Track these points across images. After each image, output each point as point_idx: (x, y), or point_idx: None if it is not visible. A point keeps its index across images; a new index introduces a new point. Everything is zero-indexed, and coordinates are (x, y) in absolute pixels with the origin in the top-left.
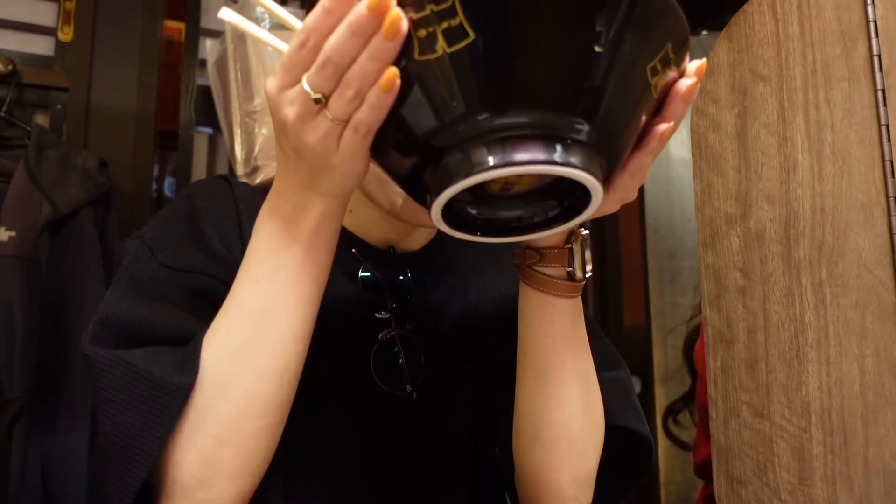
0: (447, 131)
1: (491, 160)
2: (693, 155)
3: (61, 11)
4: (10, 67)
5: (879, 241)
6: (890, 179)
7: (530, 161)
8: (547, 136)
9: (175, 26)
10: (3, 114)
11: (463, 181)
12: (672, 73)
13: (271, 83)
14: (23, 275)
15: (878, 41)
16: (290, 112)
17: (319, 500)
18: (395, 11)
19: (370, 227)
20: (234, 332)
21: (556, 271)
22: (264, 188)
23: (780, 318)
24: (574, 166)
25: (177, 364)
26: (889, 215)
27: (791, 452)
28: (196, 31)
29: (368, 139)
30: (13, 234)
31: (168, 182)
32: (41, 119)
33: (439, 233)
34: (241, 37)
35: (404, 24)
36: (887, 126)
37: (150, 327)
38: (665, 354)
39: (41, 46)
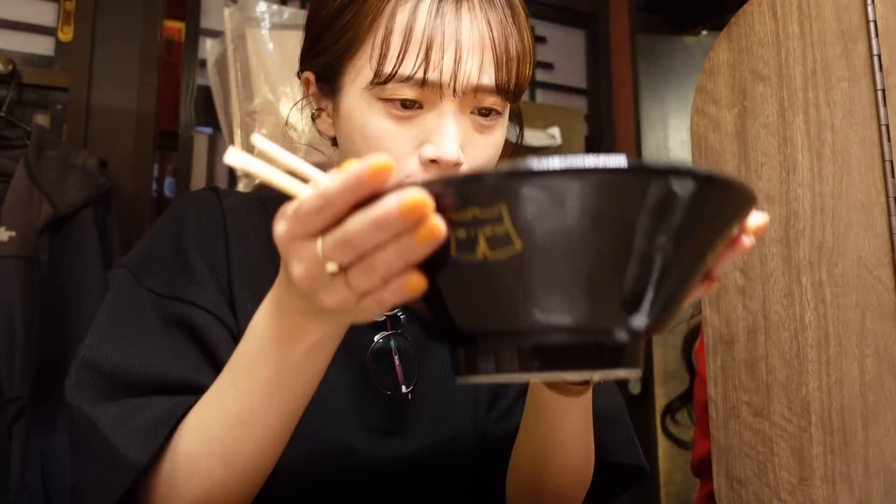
0: (481, 324)
1: (526, 364)
2: (693, 155)
3: (61, 11)
4: (10, 67)
5: (879, 241)
6: (890, 179)
7: (570, 367)
8: (590, 343)
9: (175, 26)
10: (3, 114)
11: (494, 377)
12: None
13: (281, 228)
14: (23, 275)
15: (878, 41)
16: (299, 270)
17: (312, 501)
18: (434, 222)
19: None
20: (212, 430)
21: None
22: (256, 197)
23: (779, 318)
24: (614, 367)
25: (141, 434)
26: (889, 215)
27: (791, 452)
28: (196, 31)
29: (388, 306)
30: (13, 234)
31: (168, 182)
32: (41, 119)
33: None
34: (240, 37)
35: (443, 232)
36: (887, 126)
37: (130, 373)
38: (665, 354)
39: (41, 46)
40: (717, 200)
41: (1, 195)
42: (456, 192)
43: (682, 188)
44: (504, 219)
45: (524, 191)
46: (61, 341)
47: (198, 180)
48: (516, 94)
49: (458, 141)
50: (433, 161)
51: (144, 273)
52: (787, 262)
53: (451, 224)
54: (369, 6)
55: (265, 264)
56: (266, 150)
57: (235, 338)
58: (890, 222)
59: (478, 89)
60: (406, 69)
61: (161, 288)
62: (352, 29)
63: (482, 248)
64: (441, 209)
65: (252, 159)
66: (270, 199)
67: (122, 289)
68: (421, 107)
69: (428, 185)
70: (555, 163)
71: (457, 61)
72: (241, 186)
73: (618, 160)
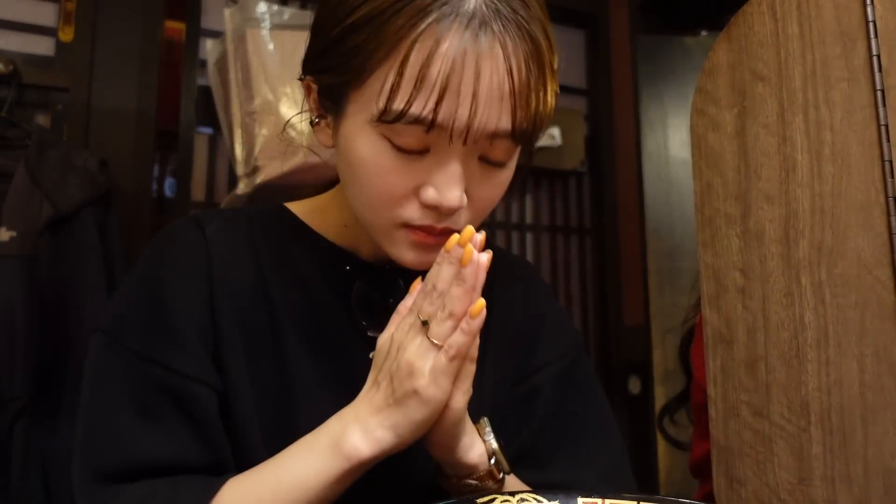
0: None
1: None
2: (692, 155)
3: (62, 12)
4: (10, 68)
5: (879, 242)
6: (889, 179)
7: None
8: None
9: (175, 27)
10: (3, 114)
11: None
12: None
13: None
14: (23, 275)
15: (877, 41)
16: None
17: (282, 444)
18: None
19: (366, 241)
20: None
21: (488, 482)
22: (243, 214)
23: (779, 318)
24: None
25: None
26: (889, 215)
27: (790, 452)
28: (196, 32)
29: (455, 365)
30: (14, 234)
31: (168, 182)
32: (42, 119)
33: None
34: (241, 37)
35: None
36: (886, 126)
37: (111, 461)
38: (664, 354)
39: (42, 47)
40: None
41: (1, 195)
42: None
43: None
44: None
45: None
46: (62, 341)
47: (198, 180)
48: (532, 138)
49: (462, 187)
50: (433, 206)
51: (122, 332)
52: (786, 262)
53: None
54: (384, 36)
55: (253, 292)
56: None
57: (217, 391)
58: (889, 222)
59: (492, 135)
60: (416, 110)
61: (140, 347)
62: (360, 54)
63: None
64: None
65: None
66: (258, 214)
67: (98, 360)
68: (427, 149)
69: None
70: None
71: (472, 114)
72: (242, 187)
73: None
